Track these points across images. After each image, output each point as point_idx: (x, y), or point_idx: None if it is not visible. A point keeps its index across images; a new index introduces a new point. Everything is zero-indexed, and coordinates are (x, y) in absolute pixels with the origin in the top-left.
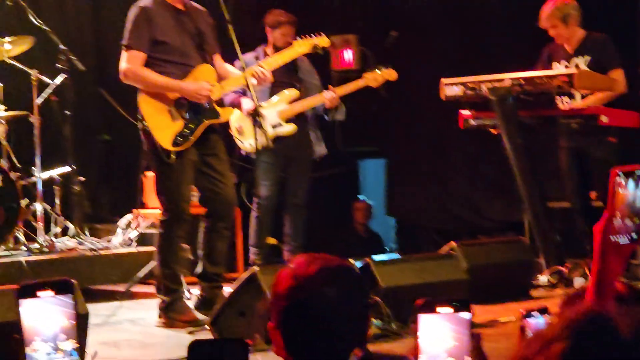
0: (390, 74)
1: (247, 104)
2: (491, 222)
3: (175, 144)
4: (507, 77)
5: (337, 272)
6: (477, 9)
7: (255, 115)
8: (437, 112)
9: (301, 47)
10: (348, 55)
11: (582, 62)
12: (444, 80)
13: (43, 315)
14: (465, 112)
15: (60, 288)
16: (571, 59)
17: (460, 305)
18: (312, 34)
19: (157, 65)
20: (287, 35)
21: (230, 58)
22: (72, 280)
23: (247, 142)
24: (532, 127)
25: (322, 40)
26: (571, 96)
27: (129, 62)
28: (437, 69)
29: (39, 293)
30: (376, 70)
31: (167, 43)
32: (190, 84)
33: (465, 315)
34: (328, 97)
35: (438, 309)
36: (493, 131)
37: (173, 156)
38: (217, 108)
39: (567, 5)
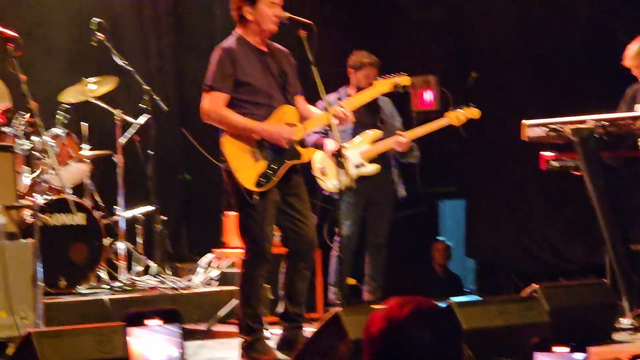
0: (473, 113)
1: (329, 144)
2: (572, 264)
3: (258, 184)
4: (590, 119)
5: (431, 315)
6: (559, 49)
7: (338, 156)
8: (517, 153)
9: (382, 86)
10: (428, 96)
11: None
12: (525, 122)
13: (150, 344)
14: (547, 154)
15: (168, 317)
16: None
17: (576, 345)
18: (393, 74)
19: (239, 106)
20: (370, 77)
21: (313, 99)
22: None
23: (330, 183)
24: (615, 168)
25: (403, 79)
26: None
27: (211, 103)
28: (517, 110)
29: (146, 321)
30: (459, 109)
31: (250, 84)
32: (271, 126)
33: (579, 356)
34: (399, 141)
35: (554, 349)
36: (575, 172)
37: (256, 197)
38: (299, 148)
39: None
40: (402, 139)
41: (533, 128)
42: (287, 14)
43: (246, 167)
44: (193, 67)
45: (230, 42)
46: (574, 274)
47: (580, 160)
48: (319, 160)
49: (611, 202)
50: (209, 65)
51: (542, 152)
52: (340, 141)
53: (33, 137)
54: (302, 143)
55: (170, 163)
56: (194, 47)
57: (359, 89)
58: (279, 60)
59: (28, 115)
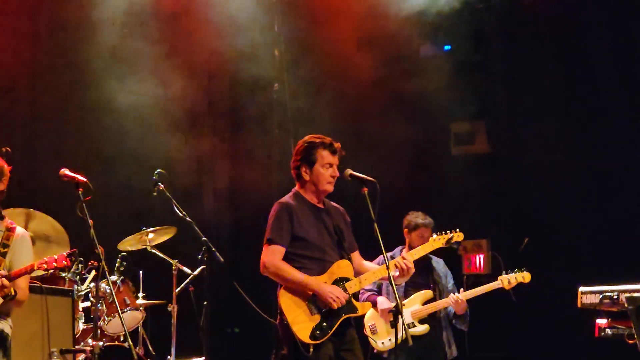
0: (525, 277)
1: (382, 302)
2: None
3: (313, 337)
4: None
5: None
6: (615, 212)
7: (396, 313)
8: (569, 319)
9: (436, 242)
10: (479, 260)
11: None
12: (581, 289)
13: None
14: (601, 321)
15: None
16: None
17: None
18: (447, 231)
19: (295, 260)
20: (424, 238)
21: (372, 254)
22: None
23: (380, 342)
24: None
25: (457, 235)
26: None
27: (270, 256)
28: (570, 276)
29: None
30: (510, 272)
31: (307, 239)
32: (326, 286)
33: None
34: (454, 300)
35: None
36: (629, 341)
37: (311, 349)
38: (355, 302)
39: None
40: (458, 299)
41: (587, 295)
42: (350, 171)
43: (302, 320)
44: (247, 222)
45: (288, 198)
46: None
47: (634, 328)
48: (370, 318)
49: None
50: (268, 219)
51: (597, 320)
52: (397, 296)
53: (90, 283)
54: (356, 297)
55: (220, 315)
56: (247, 205)
57: (412, 248)
58: (334, 218)
59: (92, 260)
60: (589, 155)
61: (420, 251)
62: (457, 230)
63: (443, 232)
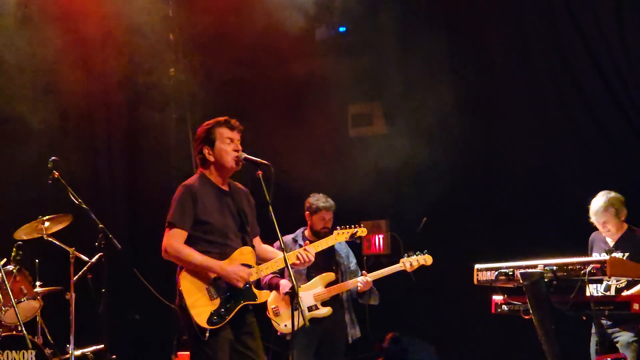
0: (426, 260)
1: (284, 285)
2: None
3: (210, 322)
4: (540, 263)
5: None
6: (509, 193)
7: (292, 296)
8: (465, 297)
9: (341, 236)
10: (379, 240)
11: (620, 256)
12: (477, 266)
13: None
14: (497, 297)
15: None
16: (612, 253)
17: None
18: (352, 225)
19: (197, 244)
20: (325, 220)
21: (271, 237)
22: None
23: (283, 324)
24: (565, 313)
25: (361, 230)
26: (604, 287)
27: (171, 240)
28: (467, 254)
29: None
30: (413, 254)
31: (210, 223)
32: (228, 266)
33: None
34: (361, 281)
35: None
36: (525, 316)
37: (207, 334)
38: (255, 290)
39: (617, 199)
40: (364, 279)
41: (483, 272)
42: (244, 155)
43: (201, 305)
44: (145, 207)
45: (193, 180)
46: None
47: (529, 304)
48: (273, 301)
49: (561, 346)
50: (171, 202)
51: (493, 296)
52: (295, 282)
53: None
54: (257, 284)
55: (120, 302)
56: (147, 186)
57: (314, 231)
58: (238, 200)
59: None
60: (482, 133)
61: (323, 244)
62: (361, 225)
63: (347, 227)
